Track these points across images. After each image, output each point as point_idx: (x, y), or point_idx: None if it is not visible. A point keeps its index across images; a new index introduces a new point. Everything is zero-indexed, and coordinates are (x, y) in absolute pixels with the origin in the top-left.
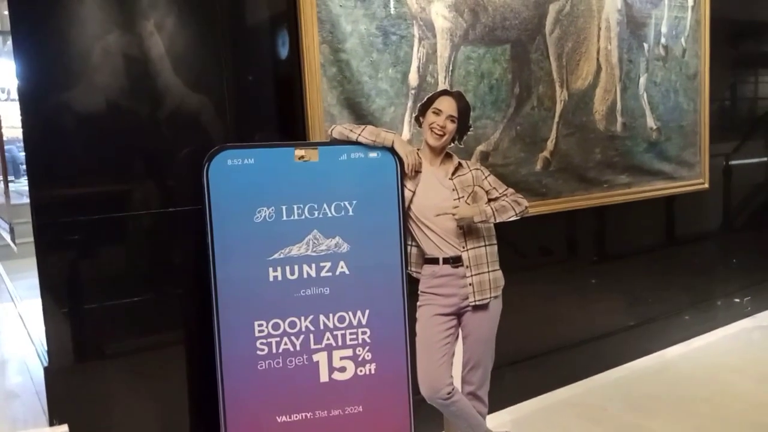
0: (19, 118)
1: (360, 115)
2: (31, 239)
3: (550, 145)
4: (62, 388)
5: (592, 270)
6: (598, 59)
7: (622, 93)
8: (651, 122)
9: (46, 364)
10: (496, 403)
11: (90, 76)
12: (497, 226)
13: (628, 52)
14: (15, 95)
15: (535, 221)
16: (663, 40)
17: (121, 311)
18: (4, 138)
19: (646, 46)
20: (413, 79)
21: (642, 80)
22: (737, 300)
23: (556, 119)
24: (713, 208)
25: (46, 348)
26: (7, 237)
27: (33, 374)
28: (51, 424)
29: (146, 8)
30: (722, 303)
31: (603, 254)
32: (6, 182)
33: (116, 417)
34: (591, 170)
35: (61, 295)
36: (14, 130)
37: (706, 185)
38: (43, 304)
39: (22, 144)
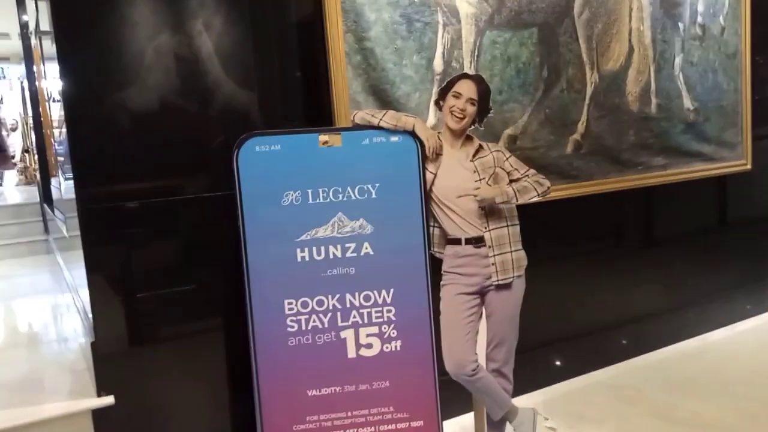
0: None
1: (385, 101)
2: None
3: (581, 127)
4: (109, 363)
5: (631, 252)
6: (630, 40)
7: (656, 74)
8: (688, 103)
9: (92, 340)
10: (530, 384)
11: (121, 72)
12: (529, 208)
13: (662, 33)
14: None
15: (568, 204)
16: (699, 19)
17: (163, 295)
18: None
19: (681, 25)
20: (438, 65)
21: (677, 60)
22: None
23: (587, 101)
24: (762, 191)
25: (92, 326)
26: (63, 228)
27: (85, 352)
28: (99, 395)
29: (195, 8)
30: None
31: (643, 237)
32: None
33: (159, 392)
34: (625, 152)
35: (105, 278)
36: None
37: (749, 166)
38: (89, 286)
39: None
